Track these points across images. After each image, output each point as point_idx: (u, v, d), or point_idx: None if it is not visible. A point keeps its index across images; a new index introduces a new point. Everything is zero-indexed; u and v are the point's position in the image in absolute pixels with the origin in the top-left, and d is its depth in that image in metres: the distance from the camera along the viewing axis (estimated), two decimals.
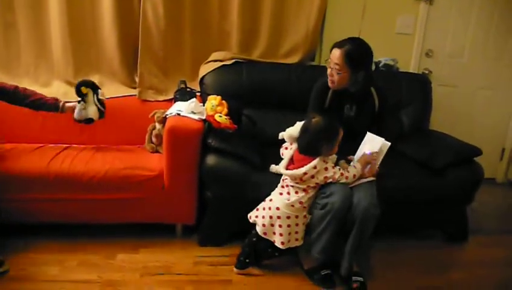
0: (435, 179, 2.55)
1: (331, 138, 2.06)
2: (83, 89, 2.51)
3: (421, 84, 3.17)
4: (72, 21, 2.81)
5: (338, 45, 2.22)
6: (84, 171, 2.31)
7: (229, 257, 2.35)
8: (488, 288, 2.33)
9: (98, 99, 2.54)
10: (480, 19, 3.43)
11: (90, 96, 2.53)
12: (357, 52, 2.20)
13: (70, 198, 2.31)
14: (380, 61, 3.19)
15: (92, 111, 2.53)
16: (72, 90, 2.81)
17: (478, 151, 2.60)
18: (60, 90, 2.83)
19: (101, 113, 2.56)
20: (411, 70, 3.40)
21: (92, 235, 2.45)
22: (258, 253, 2.23)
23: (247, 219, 2.21)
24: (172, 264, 2.28)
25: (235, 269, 2.23)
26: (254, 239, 2.20)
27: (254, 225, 2.19)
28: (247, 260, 2.23)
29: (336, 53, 2.20)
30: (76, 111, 2.52)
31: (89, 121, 2.55)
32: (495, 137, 3.78)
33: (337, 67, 2.20)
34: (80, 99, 2.52)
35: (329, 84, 2.29)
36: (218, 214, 2.45)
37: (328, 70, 2.26)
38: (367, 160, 2.15)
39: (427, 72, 3.45)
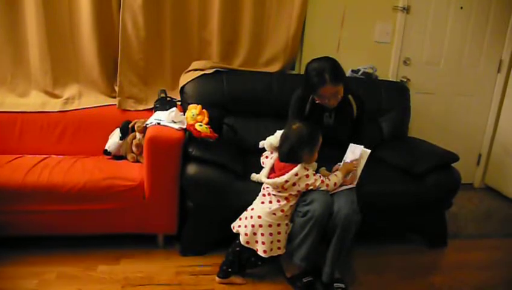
0: (415, 185, 2.58)
1: (313, 143, 2.09)
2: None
3: (399, 92, 3.23)
4: (49, 29, 2.77)
5: (323, 81, 2.14)
6: (63, 182, 2.27)
7: (211, 266, 2.34)
8: None
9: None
10: (455, 28, 3.52)
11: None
12: (338, 67, 2.21)
13: (49, 209, 2.27)
14: (359, 70, 3.23)
15: (130, 157, 2.64)
16: (51, 100, 2.81)
17: (456, 158, 2.65)
18: (38, 101, 2.80)
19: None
20: (390, 78, 3.46)
21: (71, 246, 2.41)
22: (241, 262, 2.23)
23: (229, 228, 2.20)
24: (154, 275, 2.26)
25: (217, 278, 2.22)
26: (237, 249, 2.19)
27: (238, 234, 2.18)
28: (230, 269, 2.22)
29: (328, 88, 2.15)
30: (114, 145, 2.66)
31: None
32: (472, 143, 3.87)
33: (336, 95, 2.19)
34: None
35: (330, 107, 2.27)
36: (199, 223, 2.44)
37: (327, 101, 2.22)
38: (348, 168, 2.19)
39: (405, 80, 3.51)
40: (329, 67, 2.17)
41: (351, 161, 2.20)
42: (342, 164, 2.24)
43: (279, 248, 2.14)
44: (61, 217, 2.31)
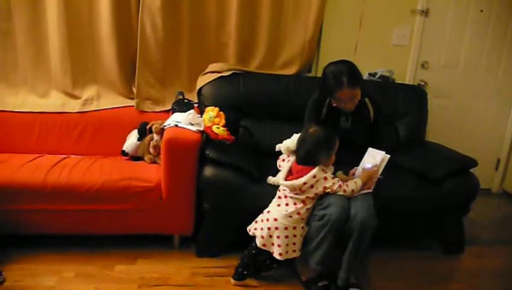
0: (432, 190, 2.56)
1: (330, 147, 2.09)
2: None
3: (416, 96, 3.20)
4: (70, 31, 2.82)
5: (340, 84, 2.14)
6: (82, 182, 2.30)
7: (226, 268, 2.36)
8: None
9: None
10: (474, 31, 3.47)
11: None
12: (356, 71, 2.21)
13: (68, 209, 2.31)
14: (376, 73, 3.22)
15: (147, 158, 2.66)
16: (70, 101, 2.85)
17: (474, 163, 2.61)
18: (58, 101, 2.85)
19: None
20: (407, 82, 3.43)
21: (89, 246, 2.44)
22: (256, 265, 2.23)
23: (244, 230, 2.21)
24: (169, 275, 2.28)
25: (232, 280, 2.23)
26: (254, 251, 2.20)
27: (254, 237, 2.19)
28: (245, 272, 2.23)
29: (346, 92, 2.16)
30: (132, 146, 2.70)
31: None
32: (490, 148, 3.81)
33: (353, 98, 2.20)
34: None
35: (347, 110, 2.28)
36: (215, 225, 2.45)
37: (343, 105, 2.23)
38: (370, 175, 2.16)
39: (422, 83, 3.48)
40: (347, 70, 2.17)
41: (372, 167, 2.18)
42: (359, 168, 2.23)
43: (294, 251, 2.14)
44: (79, 217, 2.35)
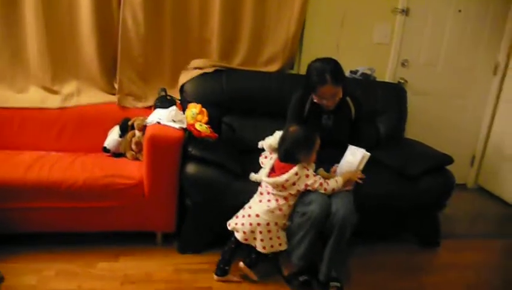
0: (409, 187, 2.62)
1: (309, 146, 2.13)
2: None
3: (396, 93, 3.26)
4: (49, 25, 2.77)
5: (323, 80, 2.19)
6: (63, 179, 2.28)
7: (209, 264, 2.37)
8: None
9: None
10: (453, 30, 3.55)
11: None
12: (339, 69, 2.26)
13: (48, 206, 2.28)
14: (357, 70, 3.26)
15: (129, 154, 2.65)
16: (50, 97, 2.81)
17: (450, 160, 2.69)
18: (37, 97, 2.80)
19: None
20: (387, 80, 3.49)
21: (70, 244, 2.43)
22: (252, 260, 2.26)
23: (226, 226, 2.23)
24: (152, 272, 2.29)
25: (215, 276, 2.26)
26: (233, 246, 2.23)
27: (233, 232, 2.21)
28: (227, 267, 2.26)
29: (328, 88, 2.21)
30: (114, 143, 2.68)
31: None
32: (466, 144, 3.93)
33: (335, 96, 2.25)
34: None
35: (327, 108, 2.32)
36: (198, 221, 2.47)
37: (325, 102, 2.27)
38: (351, 177, 2.20)
39: (402, 81, 3.54)
40: (331, 68, 2.22)
41: (351, 164, 2.22)
42: (340, 165, 2.28)
43: (280, 244, 2.17)
44: (60, 215, 2.32)
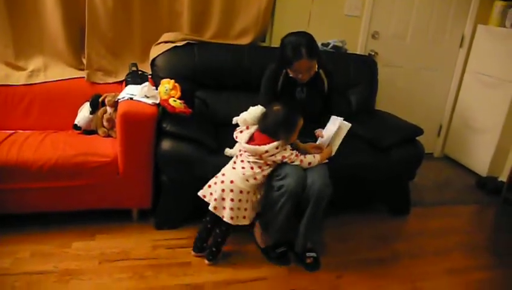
0: (381, 158, 2.70)
1: (290, 128, 2.12)
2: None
3: (367, 65, 3.29)
4: None
5: (299, 55, 2.18)
6: (34, 159, 2.21)
7: (187, 239, 2.39)
8: (428, 255, 2.54)
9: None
10: (422, 2, 3.59)
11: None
12: (314, 43, 2.25)
13: (20, 187, 2.22)
14: (329, 43, 3.26)
15: (101, 131, 2.60)
16: (14, 73, 2.69)
17: (420, 131, 2.77)
18: (0, 73, 2.67)
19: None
20: (358, 52, 3.52)
21: (44, 224, 2.38)
22: (213, 253, 2.24)
23: (203, 202, 2.19)
24: (130, 250, 2.28)
25: (192, 252, 2.27)
26: (209, 225, 2.23)
27: (207, 209, 2.17)
28: (204, 245, 2.27)
29: (304, 63, 2.20)
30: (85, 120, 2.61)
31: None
32: (434, 114, 4.05)
33: (310, 70, 2.25)
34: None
35: (301, 81, 2.32)
36: (174, 197, 2.46)
37: (300, 76, 2.27)
38: (328, 155, 2.25)
39: (373, 53, 3.58)
40: (306, 42, 2.21)
41: (331, 132, 2.26)
42: (323, 135, 2.30)
43: (244, 217, 2.14)
44: (32, 195, 2.26)
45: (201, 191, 2.21)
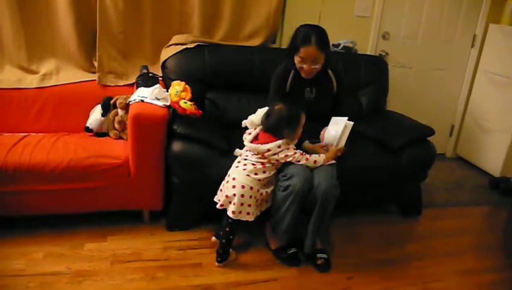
0: (392, 159, 2.68)
1: (292, 126, 2.15)
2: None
3: (378, 66, 3.28)
4: (21, 1, 2.65)
5: (308, 40, 2.21)
6: (46, 161, 2.23)
7: (197, 240, 2.40)
8: (440, 257, 2.51)
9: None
10: (433, 2, 3.56)
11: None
12: (325, 36, 2.27)
13: (33, 189, 2.24)
14: (339, 44, 3.25)
15: (113, 133, 2.61)
16: (27, 76, 2.73)
17: (431, 132, 2.74)
18: (13, 77, 2.70)
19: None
20: (369, 52, 3.50)
21: (56, 226, 2.40)
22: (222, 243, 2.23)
23: (214, 203, 2.23)
24: (141, 251, 2.30)
25: (217, 264, 2.22)
26: (227, 229, 2.20)
27: (223, 214, 2.18)
28: (226, 254, 2.24)
29: (311, 50, 2.22)
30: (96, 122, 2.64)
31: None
32: (445, 115, 4.01)
33: (316, 61, 2.25)
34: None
35: (305, 76, 2.33)
36: (184, 199, 2.47)
37: (305, 66, 2.27)
38: (335, 154, 2.25)
39: (383, 54, 3.56)
40: (318, 32, 2.25)
41: (336, 133, 2.25)
42: (325, 135, 2.30)
43: (248, 213, 2.13)
44: (45, 197, 2.29)
45: (216, 197, 2.24)
